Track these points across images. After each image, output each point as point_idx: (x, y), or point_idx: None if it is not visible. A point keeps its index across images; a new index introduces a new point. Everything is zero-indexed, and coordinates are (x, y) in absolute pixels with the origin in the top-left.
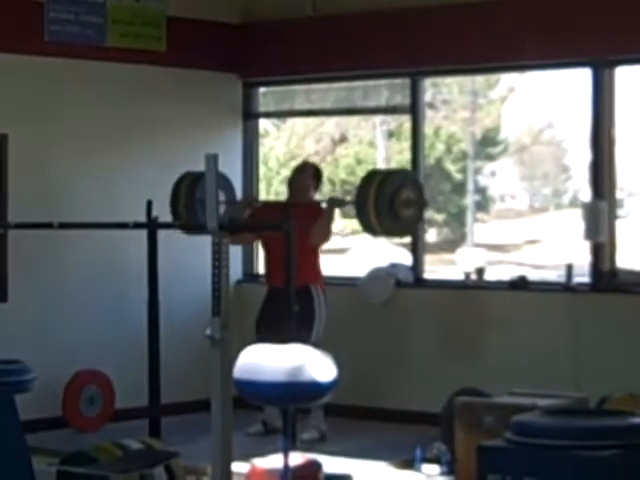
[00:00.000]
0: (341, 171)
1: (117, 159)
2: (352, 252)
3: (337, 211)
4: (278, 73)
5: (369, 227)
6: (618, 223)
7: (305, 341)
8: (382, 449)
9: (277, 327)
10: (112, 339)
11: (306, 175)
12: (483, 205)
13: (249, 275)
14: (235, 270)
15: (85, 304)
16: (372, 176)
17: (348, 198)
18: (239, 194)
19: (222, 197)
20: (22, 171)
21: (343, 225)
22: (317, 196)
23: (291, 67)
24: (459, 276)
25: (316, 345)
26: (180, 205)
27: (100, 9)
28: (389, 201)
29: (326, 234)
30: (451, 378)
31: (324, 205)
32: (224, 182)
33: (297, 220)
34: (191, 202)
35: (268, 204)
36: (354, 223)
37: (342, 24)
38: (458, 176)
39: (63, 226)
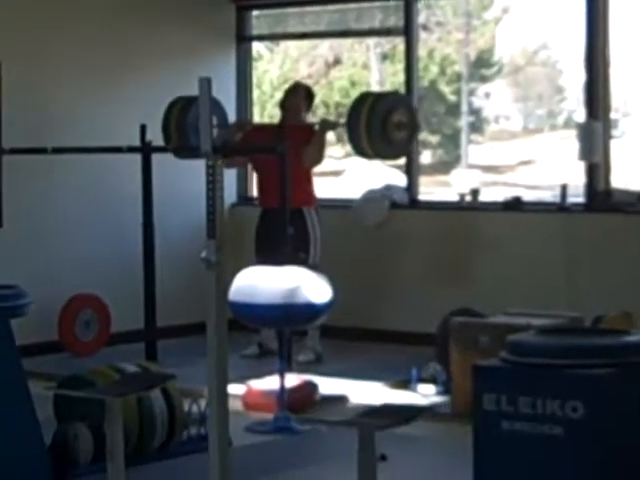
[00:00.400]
0: (335, 94)
1: (110, 84)
2: (347, 174)
3: (329, 134)
4: None
5: (361, 150)
6: (613, 143)
7: (303, 263)
8: (377, 370)
9: (273, 250)
10: (107, 263)
11: (298, 96)
12: (477, 127)
13: (243, 198)
14: (230, 193)
15: (80, 229)
16: (364, 98)
17: (341, 120)
18: (232, 117)
19: (214, 121)
20: (15, 97)
21: (337, 148)
22: (310, 118)
23: None
24: (454, 197)
25: (314, 267)
26: (172, 129)
27: None
28: (381, 123)
29: (318, 157)
30: (446, 299)
31: (316, 127)
32: (216, 106)
33: (289, 142)
34: (183, 126)
35: (260, 126)
36: (348, 147)
37: None
38: (452, 98)
39: (57, 151)
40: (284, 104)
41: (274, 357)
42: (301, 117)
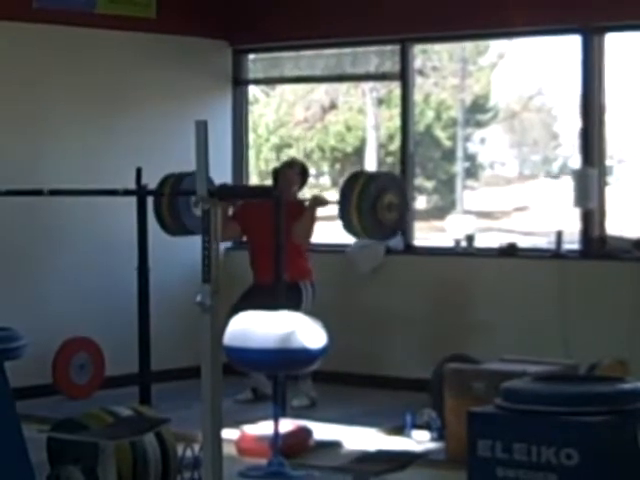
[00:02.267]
0: (331, 138)
1: (106, 126)
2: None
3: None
4: (267, 40)
5: (351, 228)
6: (608, 190)
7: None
8: (372, 415)
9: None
10: (102, 306)
11: (293, 171)
12: (473, 172)
13: (238, 243)
14: None
15: (75, 271)
16: (355, 178)
17: (332, 199)
18: (229, 161)
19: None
20: (10, 138)
21: (332, 192)
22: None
23: (280, 34)
24: (449, 243)
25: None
26: (164, 210)
27: None
28: (372, 204)
29: (307, 232)
30: (441, 345)
31: (307, 204)
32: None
33: (285, 218)
34: (175, 207)
35: (249, 203)
36: None
37: None
38: (448, 143)
39: (53, 193)
40: (278, 175)
41: (268, 402)
42: (292, 191)
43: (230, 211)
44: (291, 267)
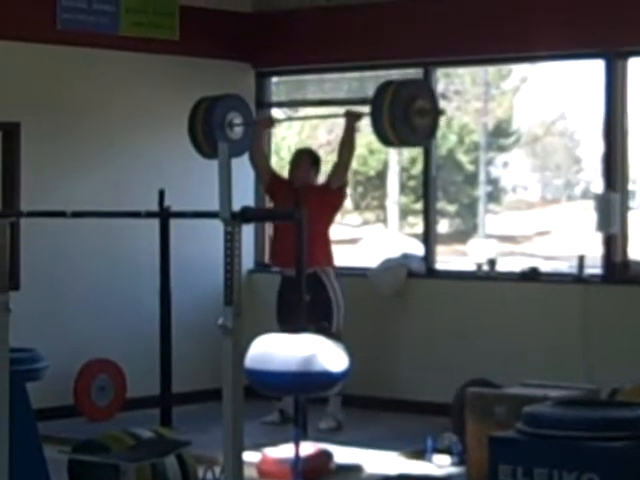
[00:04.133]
0: (353, 161)
1: (129, 148)
2: (364, 242)
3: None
4: (291, 62)
5: (384, 137)
6: (630, 215)
7: (326, 331)
8: (393, 439)
9: (293, 317)
10: (124, 328)
11: (302, 168)
12: (495, 196)
13: (261, 264)
14: (247, 259)
15: (97, 293)
16: (386, 86)
17: (365, 111)
18: (251, 179)
19: (239, 119)
20: (34, 159)
21: (354, 216)
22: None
23: (304, 56)
24: (471, 267)
25: (337, 335)
26: (198, 132)
27: None
28: (403, 110)
29: (351, 147)
30: (462, 369)
31: (341, 118)
32: (239, 103)
33: (306, 204)
34: (209, 128)
35: (280, 179)
36: (365, 215)
37: (355, 13)
38: (470, 167)
39: (76, 215)
40: (292, 176)
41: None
42: (309, 183)
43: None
44: (313, 254)
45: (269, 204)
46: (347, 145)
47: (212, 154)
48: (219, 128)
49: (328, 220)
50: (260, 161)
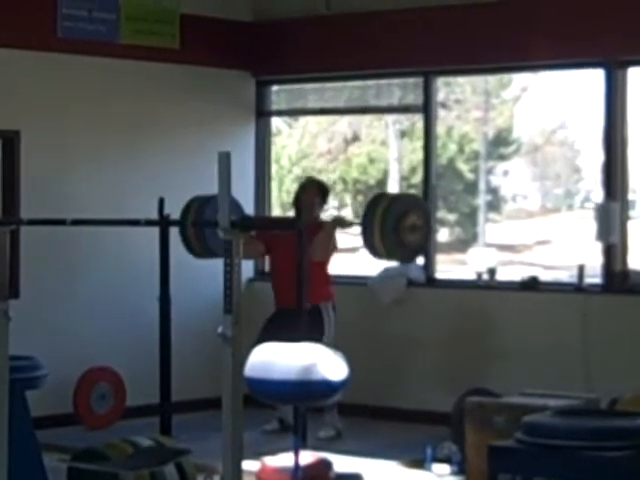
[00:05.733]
0: (353, 170)
1: (129, 156)
2: (363, 251)
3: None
4: (291, 71)
5: (374, 250)
6: (630, 224)
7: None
8: (393, 448)
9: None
10: (123, 336)
11: (310, 192)
12: (495, 205)
13: (260, 273)
14: (246, 268)
15: (96, 301)
16: (379, 199)
17: (355, 220)
18: (251, 192)
19: (232, 217)
20: (34, 168)
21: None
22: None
23: (304, 65)
24: (471, 276)
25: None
26: (190, 231)
27: (113, 6)
28: (394, 226)
29: (324, 249)
30: (462, 378)
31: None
32: (234, 206)
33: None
34: (201, 228)
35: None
36: None
37: (355, 23)
38: (470, 176)
39: (76, 222)
40: (298, 202)
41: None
42: (315, 213)
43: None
44: (312, 290)
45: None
46: (320, 246)
47: (203, 254)
48: (210, 229)
49: (327, 254)
50: (252, 252)
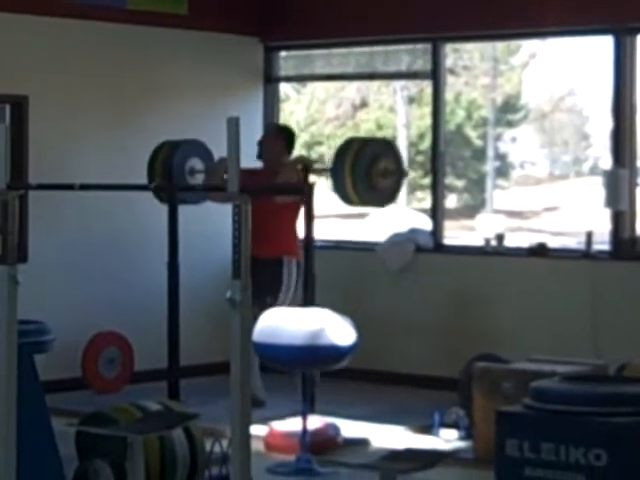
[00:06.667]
0: (362, 136)
1: (137, 123)
2: (371, 217)
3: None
4: (299, 37)
5: (345, 196)
6: (638, 191)
7: (266, 307)
8: (400, 414)
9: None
10: (132, 301)
11: (268, 137)
12: (503, 172)
13: None
14: None
15: (105, 265)
16: (349, 144)
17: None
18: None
19: (199, 165)
20: (42, 133)
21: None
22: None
23: (312, 31)
24: (479, 242)
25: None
26: (157, 177)
27: None
28: (365, 170)
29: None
30: (469, 344)
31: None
32: (200, 149)
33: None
34: (169, 167)
35: (247, 171)
36: None
37: None
38: (478, 142)
39: (84, 187)
40: (261, 150)
41: (263, 408)
42: (278, 160)
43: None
44: (276, 241)
45: None
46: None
47: (170, 200)
48: (179, 174)
49: (295, 207)
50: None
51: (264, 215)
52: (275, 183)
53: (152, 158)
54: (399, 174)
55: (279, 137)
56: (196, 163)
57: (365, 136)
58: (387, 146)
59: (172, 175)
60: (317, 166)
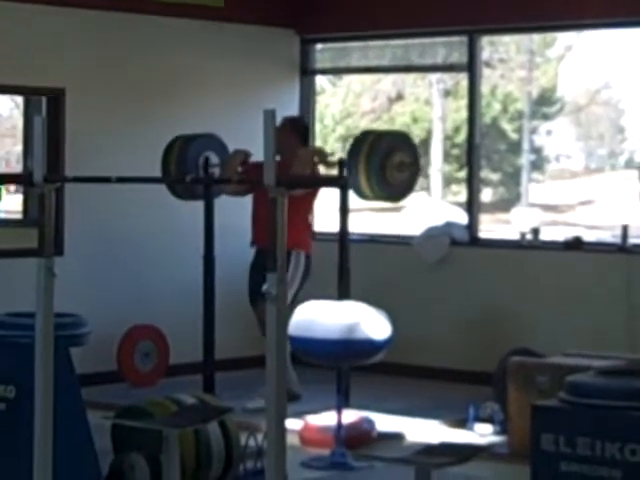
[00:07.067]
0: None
1: (172, 115)
2: (407, 210)
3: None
4: (335, 29)
5: (359, 190)
6: None
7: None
8: (435, 408)
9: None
10: (167, 295)
11: (282, 134)
12: (538, 165)
13: None
14: None
15: (141, 259)
16: (364, 136)
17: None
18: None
19: (215, 159)
20: (79, 125)
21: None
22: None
23: (348, 23)
24: (514, 236)
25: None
26: (172, 172)
27: None
28: (380, 163)
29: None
30: (505, 338)
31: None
32: (215, 142)
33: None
34: (183, 160)
35: (259, 163)
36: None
37: None
38: (514, 135)
39: (121, 180)
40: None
41: (298, 403)
42: (293, 152)
43: (240, 169)
44: (289, 235)
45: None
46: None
47: (185, 195)
48: (194, 168)
49: (309, 200)
50: (234, 191)
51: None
52: (290, 175)
53: (165, 154)
54: (415, 168)
55: (293, 130)
56: (210, 156)
57: (382, 129)
58: (403, 139)
59: (187, 169)
60: (331, 159)
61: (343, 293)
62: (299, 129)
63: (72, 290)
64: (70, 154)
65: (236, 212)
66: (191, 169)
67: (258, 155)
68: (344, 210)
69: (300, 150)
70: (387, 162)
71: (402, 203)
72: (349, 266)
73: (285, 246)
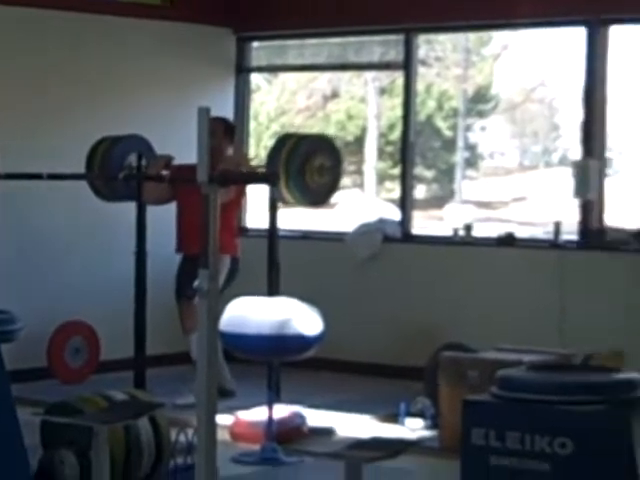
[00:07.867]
0: (332, 127)
1: (109, 112)
2: (340, 207)
3: None
4: (271, 28)
5: (280, 196)
6: (607, 182)
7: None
8: (366, 403)
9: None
10: (98, 290)
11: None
12: (473, 162)
13: (237, 228)
14: None
15: (72, 256)
16: (284, 139)
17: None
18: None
19: (143, 161)
20: (8, 122)
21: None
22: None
23: (285, 22)
24: (447, 232)
25: None
26: (96, 163)
27: None
28: (299, 167)
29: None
30: (437, 333)
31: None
32: (141, 143)
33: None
34: (108, 170)
35: (184, 166)
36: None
37: None
38: (448, 133)
39: (52, 177)
40: None
41: (232, 399)
42: (219, 152)
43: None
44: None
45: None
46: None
47: (110, 196)
48: (118, 170)
49: (235, 204)
50: (156, 196)
51: (198, 212)
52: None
53: (90, 155)
54: (337, 171)
55: (219, 130)
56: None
57: (303, 133)
58: (324, 142)
59: (111, 171)
60: (252, 164)
61: (273, 289)
62: (225, 129)
63: (2, 286)
64: (1, 151)
65: (171, 206)
66: (115, 171)
67: (190, 157)
68: (273, 206)
69: (226, 151)
70: (307, 166)
71: (335, 200)
72: (279, 262)
73: (218, 243)
